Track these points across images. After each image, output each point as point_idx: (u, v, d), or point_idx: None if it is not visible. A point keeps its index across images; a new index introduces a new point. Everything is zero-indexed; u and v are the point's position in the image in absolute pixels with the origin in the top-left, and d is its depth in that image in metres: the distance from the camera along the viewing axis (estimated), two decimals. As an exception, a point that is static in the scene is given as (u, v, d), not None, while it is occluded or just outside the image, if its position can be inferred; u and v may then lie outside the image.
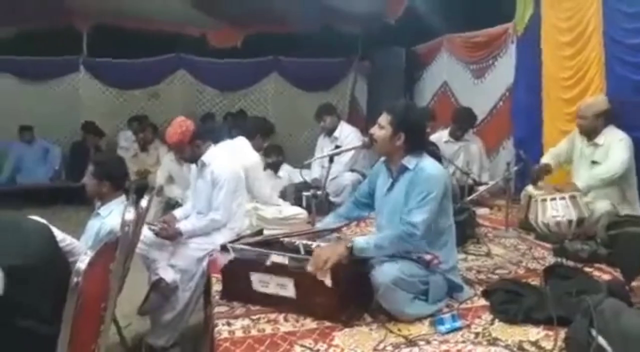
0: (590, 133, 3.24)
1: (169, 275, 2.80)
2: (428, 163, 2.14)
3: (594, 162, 3.22)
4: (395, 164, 2.19)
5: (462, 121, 4.47)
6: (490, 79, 5.06)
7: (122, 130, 7.04)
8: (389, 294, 1.95)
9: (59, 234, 1.94)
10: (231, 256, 2.18)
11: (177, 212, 3.22)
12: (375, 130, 2.20)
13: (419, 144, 2.19)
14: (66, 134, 7.10)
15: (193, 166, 3.14)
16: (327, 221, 2.48)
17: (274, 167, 4.75)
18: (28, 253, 1.66)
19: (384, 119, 2.17)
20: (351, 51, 7.45)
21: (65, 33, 6.36)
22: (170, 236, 2.89)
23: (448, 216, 2.21)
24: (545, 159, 3.50)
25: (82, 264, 1.52)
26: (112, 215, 2.49)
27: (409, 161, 2.14)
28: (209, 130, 6.29)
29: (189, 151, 2.97)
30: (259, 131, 3.70)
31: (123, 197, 2.63)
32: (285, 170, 4.84)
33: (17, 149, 6.60)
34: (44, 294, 1.66)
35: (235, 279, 2.19)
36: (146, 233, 2.78)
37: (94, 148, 6.51)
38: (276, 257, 2.05)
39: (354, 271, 2.01)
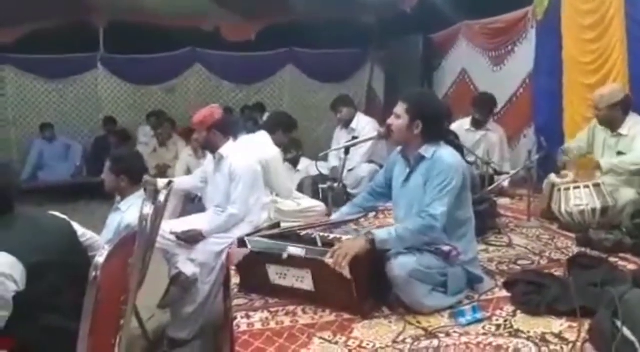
0: (609, 124, 3.12)
1: (188, 268, 2.82)
2: (446, 152, 2.11)
3: (619, 153, 3.09)
4: (412, 153, 2.16)
5: (483, 106, 4.35)
6: (510, 65, 4.93)
7: (141, 125, 7.12)
8: (406, 287, 1.93)
9: (79, 229, 1.96)
10: (248, 248, 2.17)
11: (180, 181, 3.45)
12: (392, 121, 2.17)
13: (436, 132, 2.15)
14: (87, 130, 7.22)
15: (210, 158, 3.16)
16: (344, 211, 2.47)
17: (293, 162, 4.73)
18: (48, 249, 1.68)
19: (400, 108, 2.14)
20: (367, 41, 7.36)
21: (82, 30, 6.40)
22: (192, 238, 2.89)
23: (467, 207, 2.17)
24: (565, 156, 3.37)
25: (100, 258, 1.54)
26: (132, 209, 2.51)
27: (427, 150, 2.11)
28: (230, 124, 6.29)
29: (204, 136, 3.03)
30: (280, 126, 3.67)
31: (142, 192, 2.65)
32: (304, 163, 4.83)
33: (39, 146, 6.71)
34: (65, 290, 1.68)
35: (253, 271, 2.19)
36: (167, 229, 2.80)
37: (116, 143, 6.58)
38: (293, 250, 2.04)
39: (373, 263, 1.98)
